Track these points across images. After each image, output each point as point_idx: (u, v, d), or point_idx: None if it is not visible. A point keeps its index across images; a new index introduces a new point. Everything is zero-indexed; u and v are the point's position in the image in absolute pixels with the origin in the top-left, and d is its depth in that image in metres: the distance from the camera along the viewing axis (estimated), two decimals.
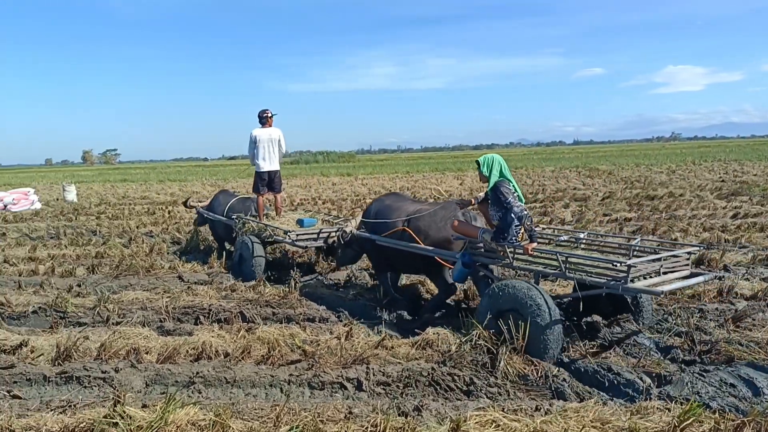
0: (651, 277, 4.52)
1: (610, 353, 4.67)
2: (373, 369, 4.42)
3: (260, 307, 6.33)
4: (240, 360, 4.72)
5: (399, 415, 3.62)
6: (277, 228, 8.06)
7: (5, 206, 19.58)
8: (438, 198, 18.67)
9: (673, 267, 4.70)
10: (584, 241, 5.64)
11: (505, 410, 3.59)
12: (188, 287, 7.20)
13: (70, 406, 3.86)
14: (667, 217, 12.41)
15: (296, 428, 3.28)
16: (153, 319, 6.03)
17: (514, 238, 5.13)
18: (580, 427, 3.32)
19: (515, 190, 5.28)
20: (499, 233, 5.17)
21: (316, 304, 6.46)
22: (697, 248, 5.41)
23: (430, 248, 5.81)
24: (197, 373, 4.47)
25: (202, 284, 7.46)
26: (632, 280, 4.32)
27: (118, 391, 3.89)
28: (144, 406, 3.69)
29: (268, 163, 8.82)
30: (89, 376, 4.48)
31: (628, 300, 5.18)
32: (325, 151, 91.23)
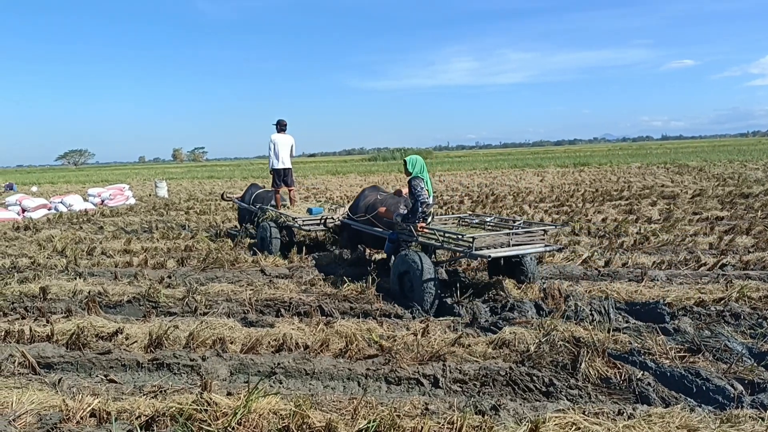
0: (500, 247, 6.09)
1: (699, 357, 4.46)
2: (449, 366, 4.42)
3: (338, 301, 6.45)
4: (319, 353, 4.83)
5: (476, 413, 3.60)
6: (288, 215, 9.93)
7: (103, 201, 20.85)
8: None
9: (527, 241, 6.30)
10: (490, 223, 7.17)
11: (586, 413, 3.50)
12: (270, 281, 7.43)
13: (160, 391, 4.07)
14: (763, 216, 11.68)
15: (373, 422, 3.32)
16: (237, 310, 6.26)
17: (419, 219, 6.69)
18: None
19: (426, 185, 6.83)
20: (407, 216, 6.81)
21: (392, 299, 6.51)
22: (552, 227, 6.90)
23: (377, 229, 7.64)
24: (278, 363, 4.62)
25: (283, 278, 7.68)
26: (478, 249, 5.90)
27: (204, 378, 4.07)
28: (229, 393, 3.85)
29: (283, 162, 10.91)
30: (178, 364, 4.72)
31: (522, 266, 6.66)
32: (402, 148, 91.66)
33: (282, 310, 6.25)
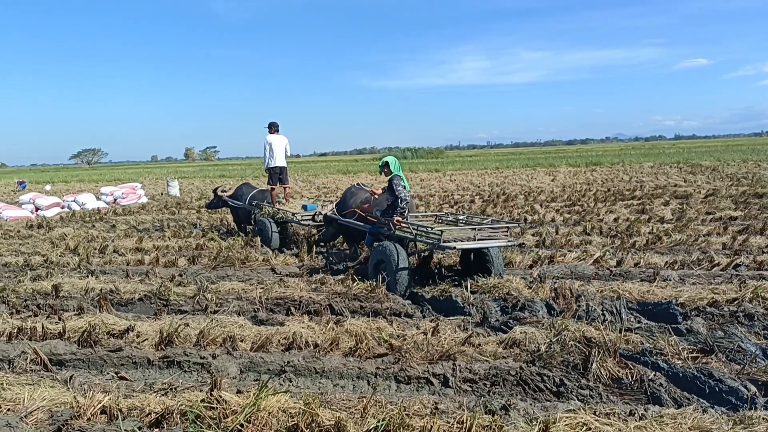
0: (467, 240, 6.72)
1: (712, 358, 4.42)
2: (459, 366, 4.40)
3: (348, 300, 6.44)
4: (328, 351, 4.83)
5: (486, 413, 3.58)
6: (287, 211, 10.69)
7: (115, 200, 20.99)
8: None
9: (491, 236, 6.93)
10: (462, 221, 7.87)
11: (597, 413, 3.47)
12: (280, 279, 7.44)
13: (171, 388, 4.08)
14: None
15: (383, 421, 3.31)
16: (247, 308, 6.27)
17: (397, 215, 7.38)
18: None
19: (404, 184, 7.49)
20: (387, 211, 7.54)
21: (402, 299, 6.50)
22: (515, 225, 7.99)
23: (360, 224, 8.32)
24: (288, 362, 4.62)
25: (293, 277, 7.69)
26: (446, 241, 6.55)
27: (215, 376, 4.08)
28: (239, 391, 3.85)
29: (278, 161, 11.73)
30: (189, 362, 4.74)
31: (488, 260, 7.11)
32: (413, 148, 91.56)
33: (292, 308, 6.25)
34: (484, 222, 7.44)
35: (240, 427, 3.37)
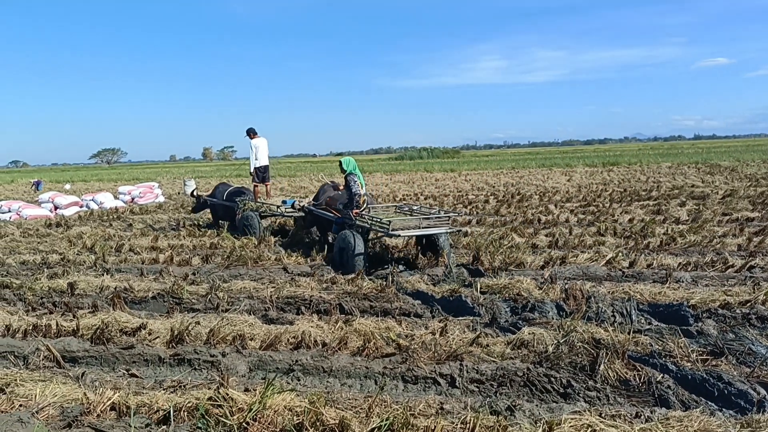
0: (413, 228, 7.96)
1: (721, 361, 4.37)
2: (466, 366, 4.41)
3: (358, 299, 6.47)
4: (337, 351, 4.86)
5: (491, 413, 3.58)
6: (271, 205, 12.01)
7: (133, 199, 21.22)
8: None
9: (434, 224, 8.13)
10: (417, 211, 9.09)
11: (603, 415, 3.46)
12: (292, 278, 7.48)
13: (180, 386, 4.14)
14: None
15: (387, 420, 3.33)
16: (258, 307, 6.32)
17: (355, 208, 8.57)
18: None
19: (359, 180, 8.79)
20: (347, 204, 8.74)
21: (412, 298, 6.51)
22: (456, 214, 9.85)
23: (330, 214, 9.31)
24: (296, 361, 4.66)
25: (304, 276, 7.73)
26: (394, 230, 7.73)
27: (223, 374, 4.12)
28: (246, 390, 3.89)
29: (262, 161, 13.80)
30: (199, 359, 4.79)
31: (439, 246, 8.40)
32: (429, 147, 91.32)
33: (302, 307, 6.29)
34: (432, 212, 8.73)
35: (246, 425, 3.41)
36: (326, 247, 9.35)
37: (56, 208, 17.83)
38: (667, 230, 10.41)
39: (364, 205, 8.84)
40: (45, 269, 8.64)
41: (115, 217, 16.39)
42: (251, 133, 13.86)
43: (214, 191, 13.33)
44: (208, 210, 13.66)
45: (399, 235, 7.86)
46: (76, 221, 15.57)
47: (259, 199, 12.83)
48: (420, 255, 8.77)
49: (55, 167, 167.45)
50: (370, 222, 8.27)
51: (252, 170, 14.00)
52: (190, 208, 15.23)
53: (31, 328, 5.60)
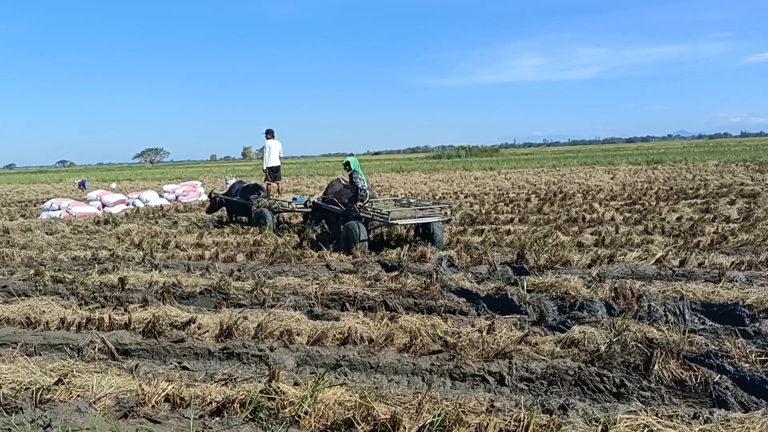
0: (409, 218, 8.99)
1: None
2: (515, 364, 4.36)
3: (402, 296, 6.44)
4: (383, 347, 4.85)
5: (543, 412, 3.53)
6: (283, 201, 13.15)
7: (177, 197, 21.63)
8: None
9: (428, 215, 9.16)
10: (414, 203, 10.03)
11: (659, 415, 3.37)
12: (335, 275, 7.51)
13: (231, 379, 4.19)
14: None
15: (438, 416, 3.31)
16: (303, 303, 6.37)
17: (359, 201, 9.47)
18: None
19: (361, 177, 9.75)
20: (351, 198, 9.72)
21: (456, 296, 6.46)
22: (447, 205, 11.81)
23: (337, 208, 10.16)
24: (343, 356, 4.67)
25: (347, 273, 7.75)
26: (393, 219, 8.77)
27: (272, 368, 4.16)
28: (296, 383, 3.92)
29: (275, 161, 14.74)
30: (247, 353, 4.85)
31: (433, 233, 9.38)
32: (467, 146, 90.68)
33: (347, 304, 6.31)
34: (426, 204, 9.68)
35: (297, 418, 3.43)
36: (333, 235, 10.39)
37: (104, 206, 18.30)
38: (717, 229, 10.11)
39: (367, 198, 9.80)
40: (96, 265, 8.87)
41: (160, 214, 16.74)
42: (268, 133, 14.75)
43: (230, 190, 14.41)
44: (222, 210, 14.74)
45: (396, 224, 8.92)
46: (123, 219, 15.96)
47: (271, 197, 13.79)
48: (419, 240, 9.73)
49: (101, 167, 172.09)
50: (372, 213, 9.28)
51: (265, 168, 14.91)
52: (205, 210, 15.96)
53: (84, 321, 5.75)
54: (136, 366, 4.56)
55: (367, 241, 9.11)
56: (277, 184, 15.01)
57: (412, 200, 10.53)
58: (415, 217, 9.09)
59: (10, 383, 4.05)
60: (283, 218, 14.07)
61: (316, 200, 11.73)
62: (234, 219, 14.09)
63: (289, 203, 12.83)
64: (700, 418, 3.40)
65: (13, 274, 8.57)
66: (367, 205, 9.68)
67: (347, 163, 10.01)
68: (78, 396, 3.92)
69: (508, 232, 10.64)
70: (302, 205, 12.54)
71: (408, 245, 9.11)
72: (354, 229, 9.07)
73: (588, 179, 25.04)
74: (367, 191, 9.93)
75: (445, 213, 9.79)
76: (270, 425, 3.42)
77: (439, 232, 9.45)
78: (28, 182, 50.58)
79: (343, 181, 11.30)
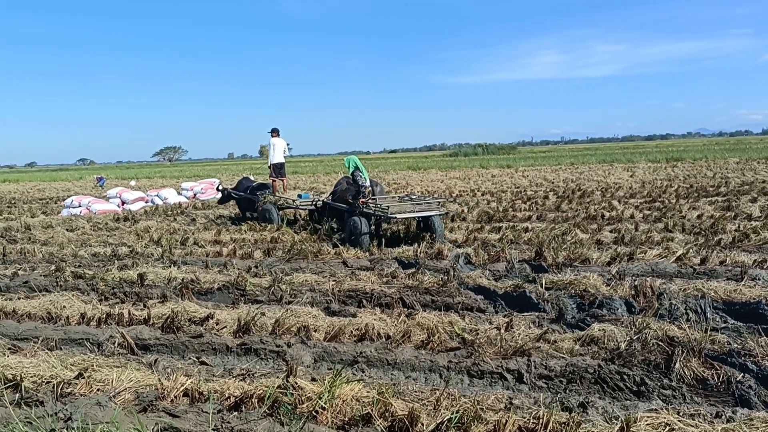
0: (408, 212, 9.55)
1: None
2: (534, 362, 4.32)
3: (420, 294, 6.43)
4: (400, 344, 4.84)
5: (562, 410, 3.49)
6: (288, 198, 13.30)
7: (195, 195, 21.79)
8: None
9: (425, 209, 9.82)
10: (415, 198, 10.57)
11: (681, 414, 3.32)
12: (352, 272, 7.52)
13: (248, 374, 4.20)
14: None
15: (456, 413, 3.29)
16: (320, 300, 6.38)
17: (361, 198, 10.12)
18: None
19: (363, 174, 10.42)
20: (355, 196, 10.32)
21: (474, 293, 6.42)
22: (442, 200, 11.81)
23: (343, 205, 10.84)
24: (360, 353, 4.67)
25: (364, 270, 7.75)
26: (393, 214, 9.38)
27: (290, 364, 4.17)
28: (313, 379, 3.92)
29: (279, 159, 14.99)
30: (265, 349, 4.87)
31: (432, 225, 9.82)
32: (484, 144, 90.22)
33: (364, 300, 6.31)
34: (424, 199, 10.44)
35: (315, 413, 3.43)
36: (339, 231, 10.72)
37: (123, 203, 18.49)
38: (738, 227, 9.96)
39: (369, 195, 10.45)
40: (115, 261, 8.96)
41: (179, 211, 16.88)
42: (273, 132, 15.08)
43: (238, 185, 15.14)
44: (231, 202, 15.67)
45: (396, 218, 9.45)
46: (142, 216, 16.11)
47: (277, 193, 14.16)
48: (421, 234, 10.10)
49: (120, 164, 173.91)
50: (373, 208, 9.90)
51: (269, 165, 15.23)
52: (216, 201, 17.06)
53: (104, 316, 5.81)
54: (155, 361, 4.59)
55: (369, 234, 9.61)
56: (282, 181, 15.36)
57: (413, 196, 11.00)
58: (413, 212, 9.63)
59: (31, 377, 4.10)
60: (295, 215, 14.50)
61: (325, 199, 12.26)
62: (249, 216, 14.28)
63: (294, 201, 13.14)
64: (723, 417, 3.35)
65: (35, 270, 8.68)
66: (369, 201, 10.16)
67: (347, 163, 10.94)
68: (98, 390, 3.95)
69: (526, 230, 10.57)
70: (307, 202, 12.87)
71: (424, 242, 9.11)
72: (357, 224, 9.55)
73: (607, 177, 24.82)
74: (369, 188, 10.54)
75: (443, 206, 10.38)
76: (289, 420, 3.43)
77: (438, 225, 9.90)
78: (49, 180, 51.32)
79: (345, 180, 11.79)
